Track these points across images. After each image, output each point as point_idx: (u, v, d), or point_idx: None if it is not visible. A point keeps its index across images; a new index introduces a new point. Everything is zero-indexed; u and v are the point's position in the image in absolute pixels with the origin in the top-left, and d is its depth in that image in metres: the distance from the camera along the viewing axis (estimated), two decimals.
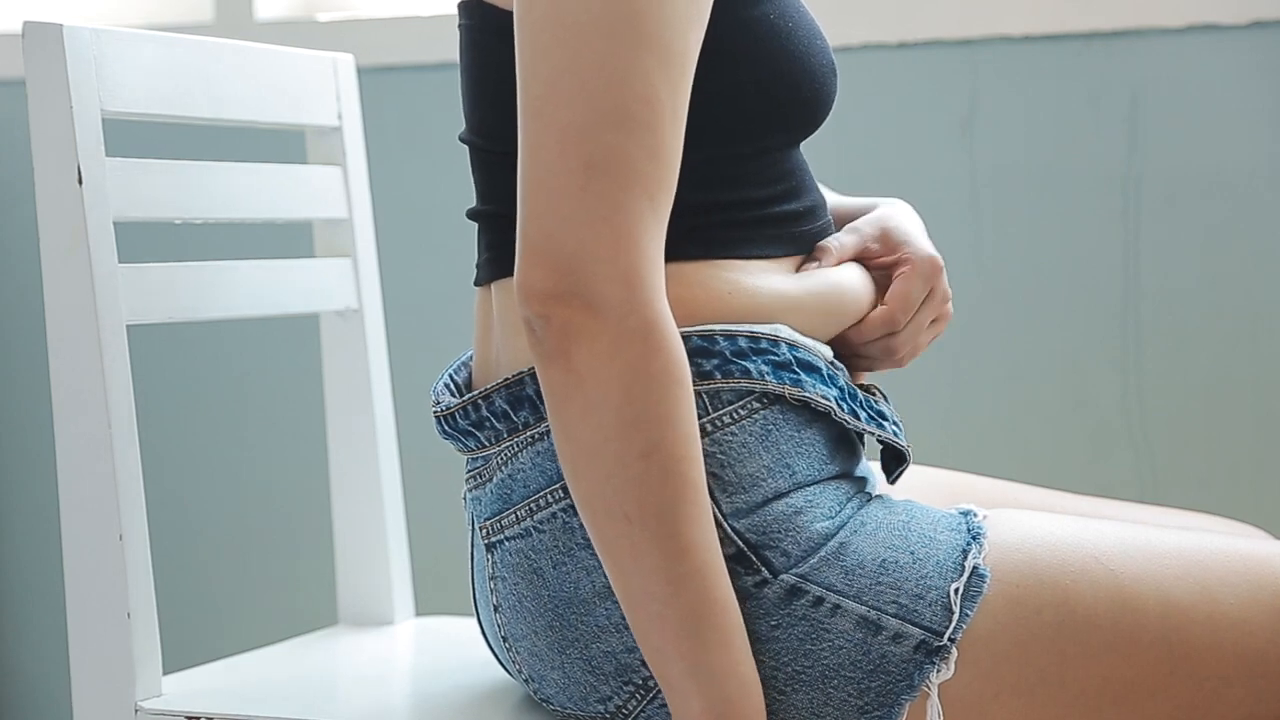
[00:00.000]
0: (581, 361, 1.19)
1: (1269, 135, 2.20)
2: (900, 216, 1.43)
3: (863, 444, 1.36)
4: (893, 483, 1.39)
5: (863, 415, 1.33)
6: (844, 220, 1.44)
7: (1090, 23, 2.23)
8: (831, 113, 1.37)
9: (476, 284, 1.38)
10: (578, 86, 1.19)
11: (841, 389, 1.32)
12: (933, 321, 1.41)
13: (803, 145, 1.38)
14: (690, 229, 1.28)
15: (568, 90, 1.19)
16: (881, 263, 1.40)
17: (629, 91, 1.19)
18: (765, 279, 1.31)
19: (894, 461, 1.38)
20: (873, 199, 1.47)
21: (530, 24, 1.21)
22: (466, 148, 1.37)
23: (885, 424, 1.35)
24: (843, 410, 1.31)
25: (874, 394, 1.37)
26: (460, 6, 1.35)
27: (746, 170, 1.31)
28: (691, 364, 1.27)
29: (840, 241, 1.37)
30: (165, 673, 1.48)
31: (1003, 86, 2.27)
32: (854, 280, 1.37)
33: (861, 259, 1.39)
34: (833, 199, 1.47)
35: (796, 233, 1.34)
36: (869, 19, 2.29)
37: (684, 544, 1.20)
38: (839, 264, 1.36)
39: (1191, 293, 2.24)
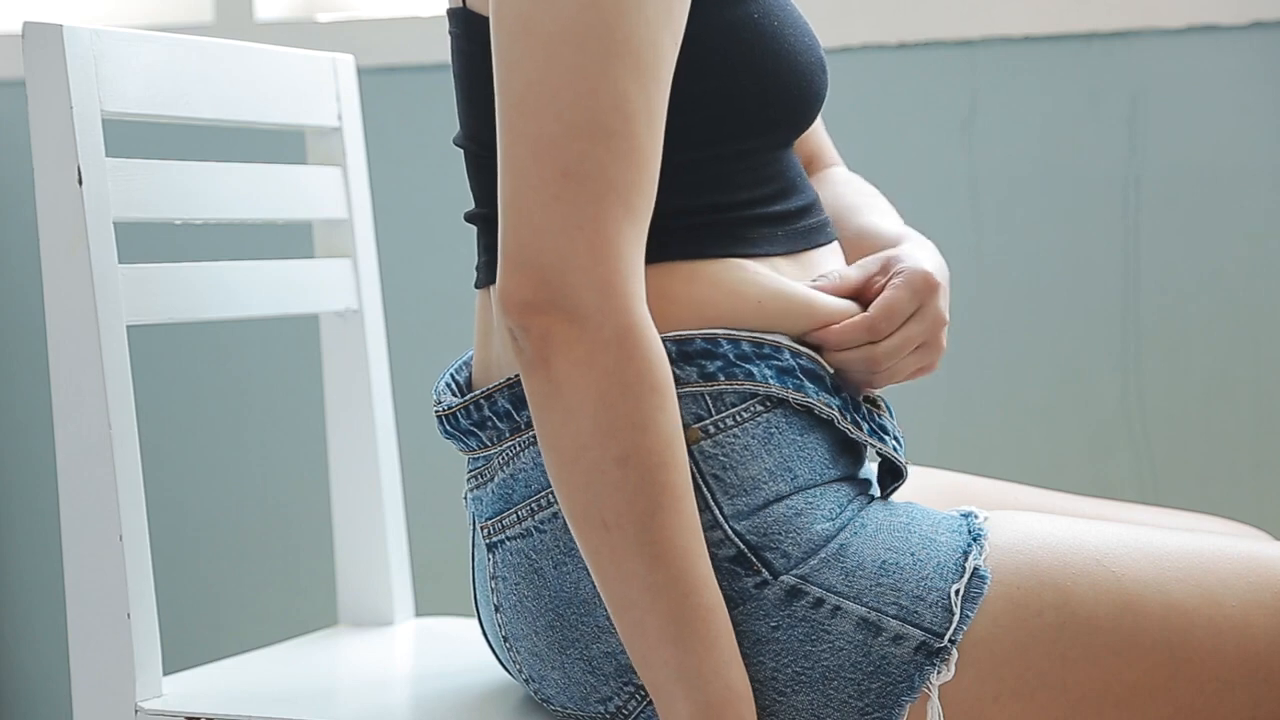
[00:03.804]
0: (560, 369, 1.19)
1: (1269, 135, 2.20)
2: (911, 248, 1.37)
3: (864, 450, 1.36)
4: (886, 498, 1.38)
5: (865, 427, 1.33)
6: (867, 244, 1.40)
7: (1090, 23, 2.23)
8: (831, 113, 1.37)
9: (476, 286, 1.38)
10: (550, 97, 1.19)
11: (844, 399, 1.32)
12: (919, 348, 1.34)
13: None
14: (680, 229, 1.28)
15: (540, 101, 1.19)
16: (879, 289, 1.34)
17: (601, 100, 1.19)
18: (771, 284, 1.31)
19: (890, 476, 1.38)
20: (906, 230, 1.41)
21: (503, 35, 1.21)
22: (461, 151, 1.37)
23: (886, 438, 1.35)
24: (845, 420, 1.31)
25: (877, 407, 1.37)
26: (449, 14, 1.35)
27: (736, 170, 1.31)
28: (695, 365, 1.27)
29: (843, 274, 1.34)
30: (165, 673, 1.48)
31: (1003, 86, 2.27)
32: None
33: (865, 294, 1.34)
34: (872, 222, 1.43)
35: (793, 229, 1.34)
36: (869, 19, 2.29)
37: (663, 550, 1.20)
38: (835, 293, 1.32)
39: (1191, 293, 2.24)
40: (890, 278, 1.33)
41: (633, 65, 1.20)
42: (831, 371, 1.32)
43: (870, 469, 1.39)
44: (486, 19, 1.29)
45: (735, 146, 1.31)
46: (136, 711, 1.44)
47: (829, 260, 1.37)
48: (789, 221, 1.34)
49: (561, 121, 1.19)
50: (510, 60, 1.21)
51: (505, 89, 1.21)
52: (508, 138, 1.21)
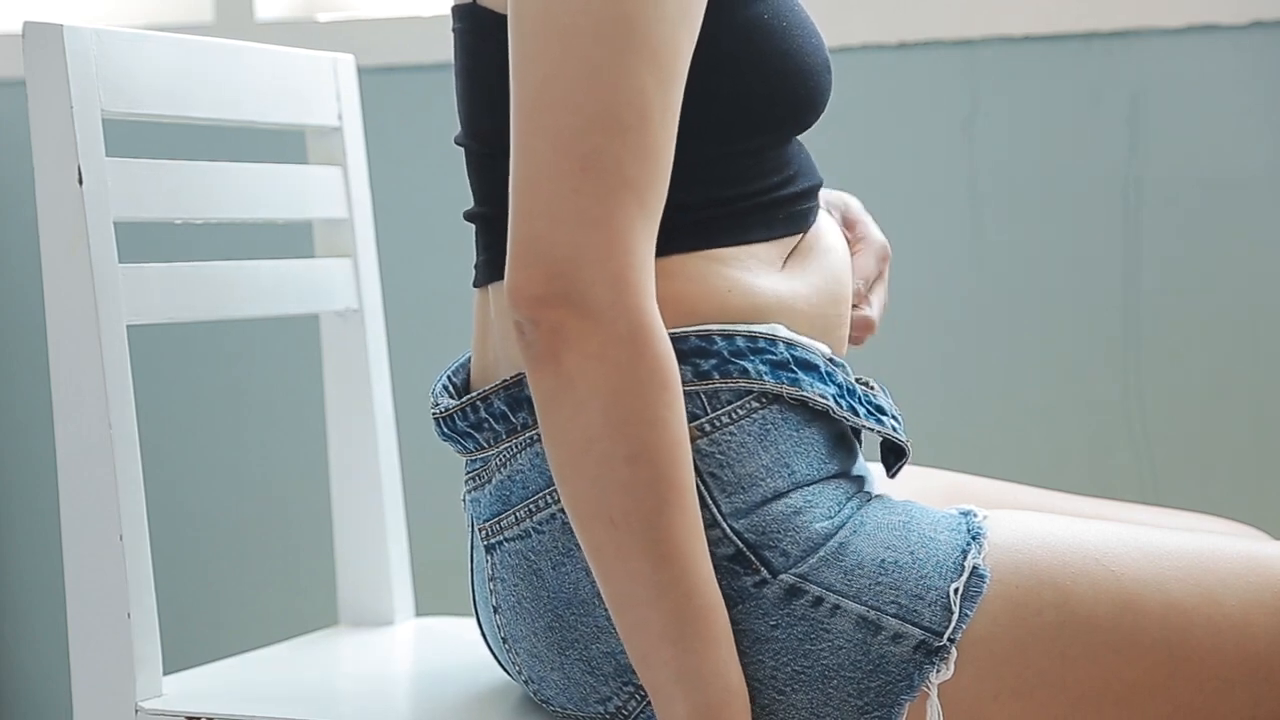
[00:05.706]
0: (570, 364, 1.19)
1: (1269, 135, 2.20)
2: (854, 199, 1.50)
3: (859, 441, 1.36)
4: (892, 476, 1.39)
5: (861, 411, 1.33)
6: None
7: (1090, 23, 2.23)
8: (831, 113, 1.37)
9: (474, 285, 1.38)
10: (568, 90, 1.19)
11: (840, 386, 1.32)
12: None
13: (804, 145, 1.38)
14: (687, 224, 1.28)
15: (558, 94, 1.19)
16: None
17: (619, 95, 1.19)
18: (764, 276, 1.31)
19: (893, 455, 1.38)
20: None
21: (522, 28, 1.21)
22: (461, 150, 1.37)
23: (884, 419, 1.35)
24: (841, 408, 1.31)
25: (872, 388, 1.37)
26: (454, 10, 1.35)
27: (743, 166, 1.31)
28: (689, 364, 1.27)
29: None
30: (165, 673, 1.48)
31: (1003, 86, 2.27)
32: (846, 269, 1.37)
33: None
34: None
35: (794, 212, 1.35)
36: (869, 19, 2.29)
37: (668, 549, 1.20)
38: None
39: (1191, 293, 2.24)
40: (855, 238, 1.47)
41: (650, 60, 1.20)
42: (827, 357, 1.32)
43: (867, 467, 1.39)
44: (497, 15, 1.29)
45: (741, 144, 1.31)
46: (136, 711, 1.44)
47: (821, 240, 1.37)
48: (792, 203, 1.34)
49: (579, 115, 1.19)
50: (529, 53, 1.21)
51: (522, 82, 1.21)
52: (523, 130, 1.21)
